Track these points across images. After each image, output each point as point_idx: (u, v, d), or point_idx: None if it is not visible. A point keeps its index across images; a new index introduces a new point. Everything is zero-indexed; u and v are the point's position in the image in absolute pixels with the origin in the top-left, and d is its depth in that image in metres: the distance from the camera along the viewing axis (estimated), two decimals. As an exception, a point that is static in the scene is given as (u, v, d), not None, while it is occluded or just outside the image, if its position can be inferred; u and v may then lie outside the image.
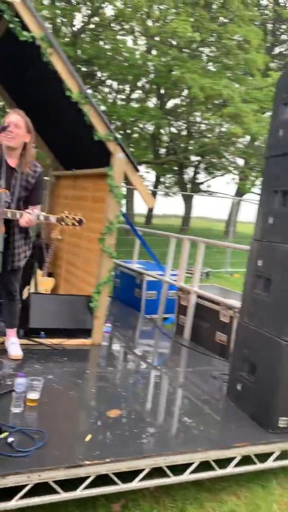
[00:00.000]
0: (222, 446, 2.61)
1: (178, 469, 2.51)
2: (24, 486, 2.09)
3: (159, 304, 5.66)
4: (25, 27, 3.57)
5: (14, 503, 2.07)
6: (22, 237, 3.22)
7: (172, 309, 5.40)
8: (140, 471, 2.37)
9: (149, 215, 23.71)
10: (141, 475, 2.36)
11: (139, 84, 16.00)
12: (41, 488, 2.16)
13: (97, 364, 3.79)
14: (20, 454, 2.18)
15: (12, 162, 3.05)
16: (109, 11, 14.18)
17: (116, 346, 4.30)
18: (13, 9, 3.51)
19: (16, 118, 2.97)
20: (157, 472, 2.45)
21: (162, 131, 18.68)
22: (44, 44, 3.62)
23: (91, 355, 3.95)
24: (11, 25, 3.54)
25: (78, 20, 14.58)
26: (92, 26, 14.18)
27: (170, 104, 18.48)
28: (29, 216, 2.93)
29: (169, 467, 2.46)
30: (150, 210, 22.67)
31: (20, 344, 3.80)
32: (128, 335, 4.80)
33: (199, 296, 4.84)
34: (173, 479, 2.47)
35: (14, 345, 3.50)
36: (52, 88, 4.21)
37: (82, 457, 2.25)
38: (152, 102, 17.71)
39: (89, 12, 13.71)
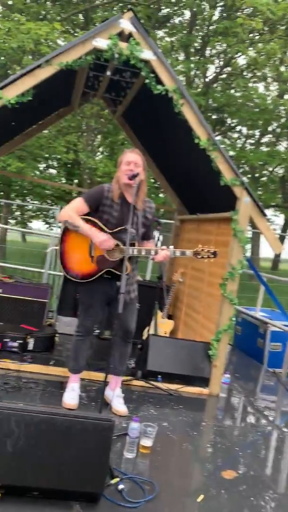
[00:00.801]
0: None
1: None
2: (131, 540, 2.01)
3: (284, 358, 5.25)
4: (159, 82, 3.79)
5: None
6: (135, 274, 3.23)
7: (299, 364, 4.96)
8: None
9: (276, 259, 22.71)
10: None
11: (270, 128, 15.86)
12: None
13: (214, 416, 3.60)
14: (130, 505, 2.11)
15: (130, 200, 3.02)
16: (241, 60, 14.49)
17: (235, 399, 4.06)
18: (150, 66, 3.77)
19: (136, 158, 3.01)
20: None
21: (292, 174, 18.06)
22: (176, 96, 3.79)
23: (207, 405, 3.77)
24: (147, 81, 3.79)
25: (211, 71, 15.18)
26: (224, 75, 14.63)
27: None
28: (166, 252, 2.97)
29: None
30: (278, 255, 21.71)
31: (137, 385, 3.83)
32: (249, 388, 4.51)
33: None
34: None
35: (120, 399, 3.22)
36: (180, 136, 4.37)
37: (193, 520, 2.10)
38: (282, 145, 17.35)
39: (222, 63, 14.20)
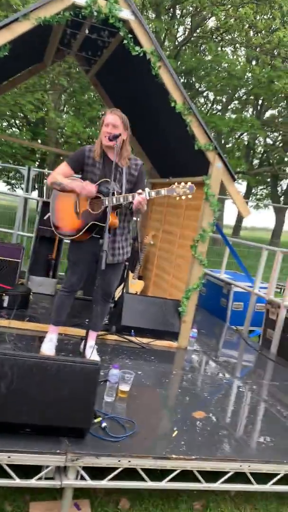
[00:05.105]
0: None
1: (260, 478, 2.51)
2: (114, 469, 2.24)
3: (246, 316, 5.61)
4: (136, 43, 3.80)
5: (105, 482, 2.23)
6: (122, 232, 3.26)
7: (258, 322, 5.33)
8: (224, 473, 2.41)
9: (237, 226, 23.35)
10: (225, 478, 2.40)
11: (236, 95, 15.94)
12: (127, 475, 2.29)
13: (183, 367, 3.88)
14: (113, 439, 2.34)
15: (113, 158, 3.07)
16: (211, 23, 14.31)
17: (201, 352, 4.36)
18: (128, 26, 3.77)
19: (114, 118, 3.08)
20: (239, 478, 2.47)
21: (257, 141, 18.36)
22: (153, 58, 3.82)
23: (177, 357, 4.05)
24: (125, 41, 3.79)
25: (180, 33, 14.94)
26: (193, 38, 14.45)
27: (267, 114, 18.14)
28: (141, 196, 2.91)
29: (252, 475, 2.47)
30: (239, 221, 22.32)
31: (112, 339, 4.04)
32: (213, 343, 4.83)
33: (289, 311, 4.73)
34: (256, 487, 2.48)
35: (93, 349, 3.32)
36: (154, 99, 4.42)
37: (169, 451, 2.35)
38: (248, 112, 17.52)
39: (191, 25, 13.99)
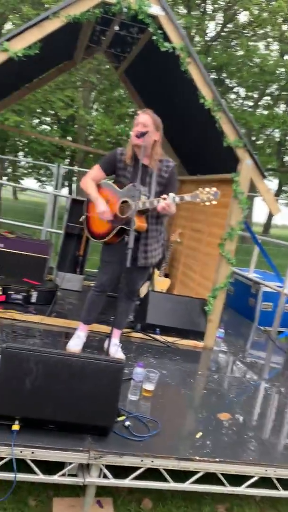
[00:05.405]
0: None
1: (286, 483, 2.44)
2: (136, 469, 2.23)
3: (275, 317, 5.49)
4: (166, 39, 3.77)
5: (127, 482, 2.22)
6: (155, 235, 3.23)
7: (288, 323, 5.21)
8: (248, 477, 2.36)
9: (267, 224, 22.94)
10: (249, 482, 2.36)
11: (268, 91, 15.63)
12: (150, 475, 2.28)
13: (209, 367, 3.83)
14: (136, 438, 2.32)
15: (145, 161, 3.10)
16: (243, 17, 14.07)
17: (227, 353, 4.30)
18: (157, 21, 3.73)
19: (144, 118, 3.05)
20: (264, 483, 2.42)
21: (288, 138, 17.97)
22: (183, 54, 3.78)
23: (202, 357, 4.00)
24: (154, 37, 3.76)
25: (211, 28, 14.75)
26: (224, 34, 14.24)
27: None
28: (165, 201, 2.84)
29: (278, 480, 2.41)
30: (269, 219, 21.94)
31: (136, 337, 4.03)
32: (240, 344, 4.75)
33: None
34: (281, 493, 2.42)
35: (117, 347, 3.36)
36: (182, 96, 4.37)
37: (193, 452, 2.32)
38: (280, 109, 17.15)
39: (223, 20, 13.79)
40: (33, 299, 4.33)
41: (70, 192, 18.40)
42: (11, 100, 5.67)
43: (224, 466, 2.30)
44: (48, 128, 16.12)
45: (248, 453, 2.45)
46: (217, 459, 2.30)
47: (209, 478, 2.34)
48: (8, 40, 3.49)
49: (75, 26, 3.80)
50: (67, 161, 16.57)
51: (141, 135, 2.99)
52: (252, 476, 2.36)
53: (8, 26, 12.15)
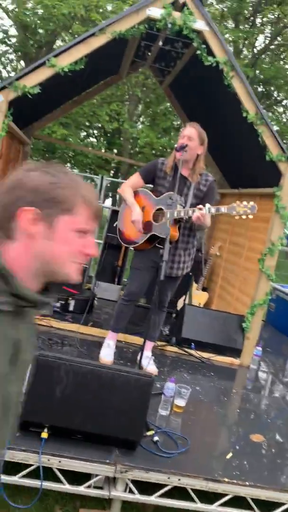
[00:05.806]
0: None
1: None
2: (163, 486, 2.19)
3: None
4: (210, 53, 3.77)
5: (153, 498, 2.18)
6: (185, 247, 3.24)
7: None
8: (279, 504, 2.26)
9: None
10: (281, 509, 2.25)
11: None
12: (178, 492, 2.23)
13: (244, 385, 3.73)
14: (164, 455, 2.29)
15: (185, 172, 3.16)
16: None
17: (265, 372, 4.17)
18: (201, 36, 3.75)
19: (190, 131, 3.08)
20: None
21: None
22: (226, 68, 3.77)
23: (238, 375, 3.90)
24: (198, 52, 3.77)
25: (259, 41, 14.65)
26: (272, 47, 14.10)
27: None
28: (200, 211, 2.85)
29: (312, 510, 2.30)
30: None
31: (171, 351, 3.99)
32: (279, 363, 4.60)
33: None
34: (315, 524, 2.30)
35: (149, 360, 3.32)
36: (225, 109, 4.35)
37: (222, 474, 2.25)
38: None
39: (271, 33, 13.67)
40: (71, 307, 4.40)
41: (114, 203, 18.66)
42: (59, 113, 5.85)
43: (254, 490, 2.22)
44: (95, 141, 16.50)
45: (281, 479, 2.35)
46: (247, 483, 2.22)
47: (239, 501, 2.26)
48: (55, 56, 3.62)
49: (121, 42, 3.88)
50: (112, 172, 16.85)
51: (181, 148, 3.00)
52: (283, 504, 2.26)
53: (59, 42, 12.63)
